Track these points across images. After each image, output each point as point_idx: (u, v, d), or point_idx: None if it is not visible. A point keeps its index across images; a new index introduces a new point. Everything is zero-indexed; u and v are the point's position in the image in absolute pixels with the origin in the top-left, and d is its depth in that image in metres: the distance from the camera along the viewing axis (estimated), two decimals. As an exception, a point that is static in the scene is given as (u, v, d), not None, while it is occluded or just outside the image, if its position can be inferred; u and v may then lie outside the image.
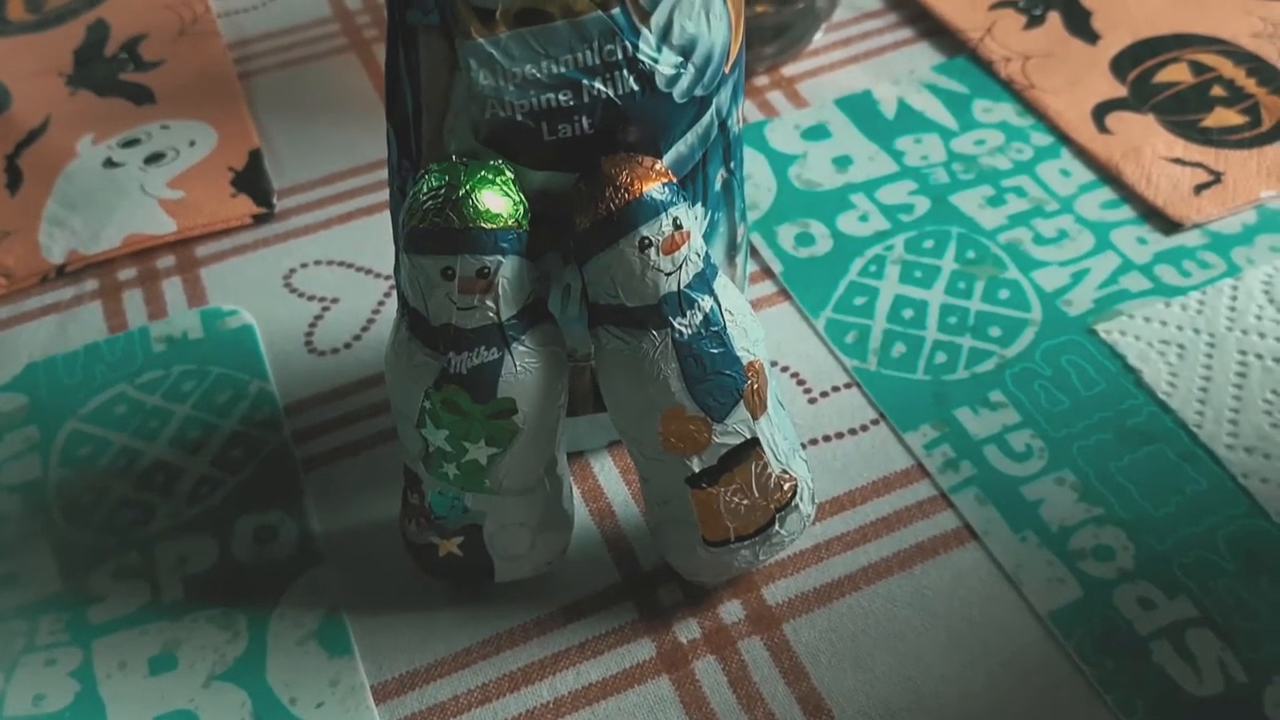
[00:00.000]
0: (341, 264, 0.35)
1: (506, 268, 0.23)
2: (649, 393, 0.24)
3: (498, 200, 0.23)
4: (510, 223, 0.23)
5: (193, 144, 0.38)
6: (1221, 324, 0.32)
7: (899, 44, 0.42)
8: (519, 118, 0.23)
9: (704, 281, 0.24)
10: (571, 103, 0.23)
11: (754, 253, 0.35)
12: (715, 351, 0.24)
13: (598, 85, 0.23)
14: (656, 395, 0.24)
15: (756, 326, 0.25)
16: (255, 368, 0.32)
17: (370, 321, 0.33)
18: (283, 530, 0.28)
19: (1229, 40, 0.40)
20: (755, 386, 0.25)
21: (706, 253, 0.24)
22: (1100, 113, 0.38)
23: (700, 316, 0.24)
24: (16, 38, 0.44)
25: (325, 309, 0.34)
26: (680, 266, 0.24)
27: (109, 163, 0.38)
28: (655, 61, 0.24)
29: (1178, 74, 0.39)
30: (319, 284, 0.35)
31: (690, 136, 0.25)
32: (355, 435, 0.31)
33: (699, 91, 0.25)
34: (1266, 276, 0.33)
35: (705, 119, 0.25)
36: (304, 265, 0.35)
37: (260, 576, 0.28)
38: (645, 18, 0.23)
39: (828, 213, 0.36)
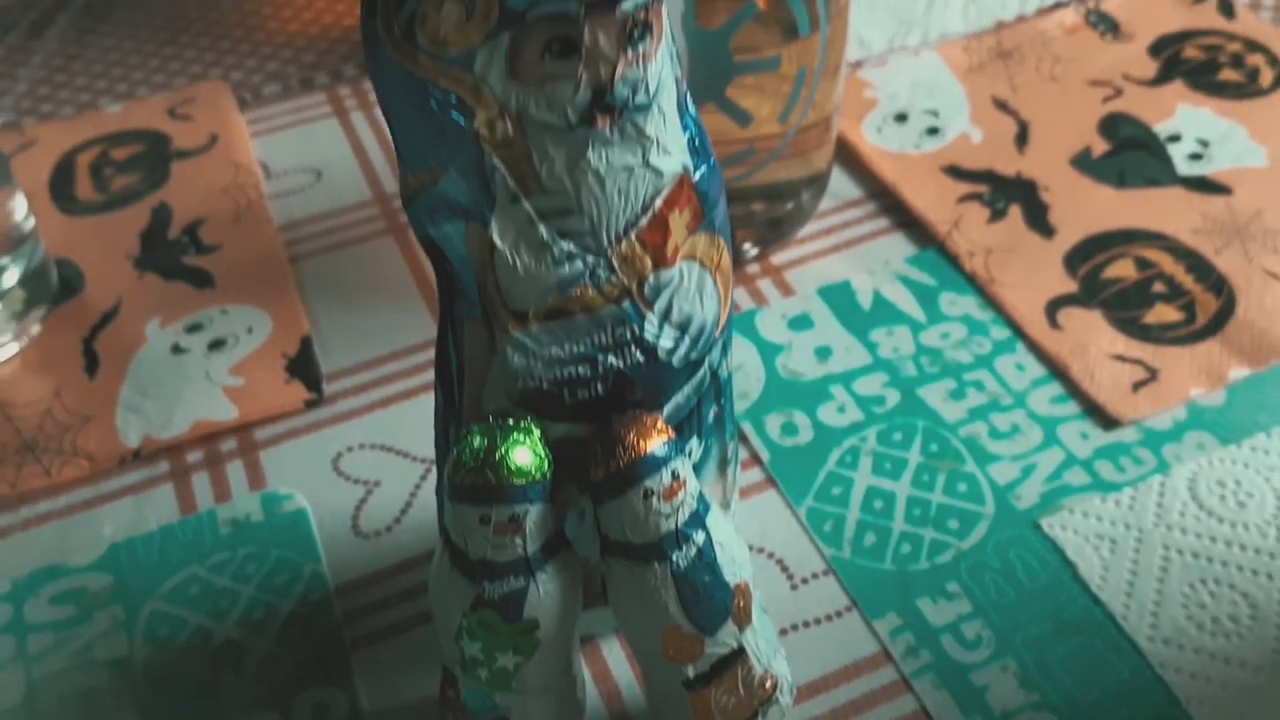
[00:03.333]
0: (383, 448, 0.40)
1: (533, 512, 0.28)
2: (651, 614, 0.29)
3: (527, 457, 0.28)
4: (537, 476, 0.28)
5: (250, 330, 0.43)
6: (1150, 520, 0.36)
7: (876, 233, 0.47)
8: (545, 386, 0.28)
9: (697, 518, 0.29)
10: (588, 374, 0.28)
11: (744, 439, 0.40)
12: (707, 579, 0.29)
13: (610, 359, 0.28)
14: (658, 616, 0.29)
15: (743, 551, 0.30)
16: (309, 550, 0.37)
17: (408, 505, 0.38)
18: (335, 707, 0.33)
19: (1171, 236, 0.45)
20: (742, 604, 0.30)
21: (700, 493, 0.29)
22: (1053, 308, 0.43)
23: (695, 550, 0.29)
24: (86, 218, 0.49)
25: (369, 492, 0.39)
26: (678, 509, 0.29)
27: (176, 348, 0.43)
28: (657, 338, 0.28)
29: (1123, 269, 0.44)
30: (363, 467, 0.39)
31: (687, 388, 0.30)
32: (397, 616, 0.35)
33: (694, 356, 0.29)
34: (1191, 474, 0.37)
35: (699, 374, 0.30)
36: (350, 449, 0.40)
37: (318, 750, 0.32)
38: (650, 305, 0.28)
39: (810, 403, 0.41)
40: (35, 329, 0.44)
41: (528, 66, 0.24)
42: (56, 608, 0.36)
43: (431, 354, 0.42)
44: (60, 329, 0.44)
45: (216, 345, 0.43)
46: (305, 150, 0.52)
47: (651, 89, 0.25)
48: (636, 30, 0.24)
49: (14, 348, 0.43)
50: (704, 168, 0.28)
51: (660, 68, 0.26)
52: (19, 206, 0.45)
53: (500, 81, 0.24)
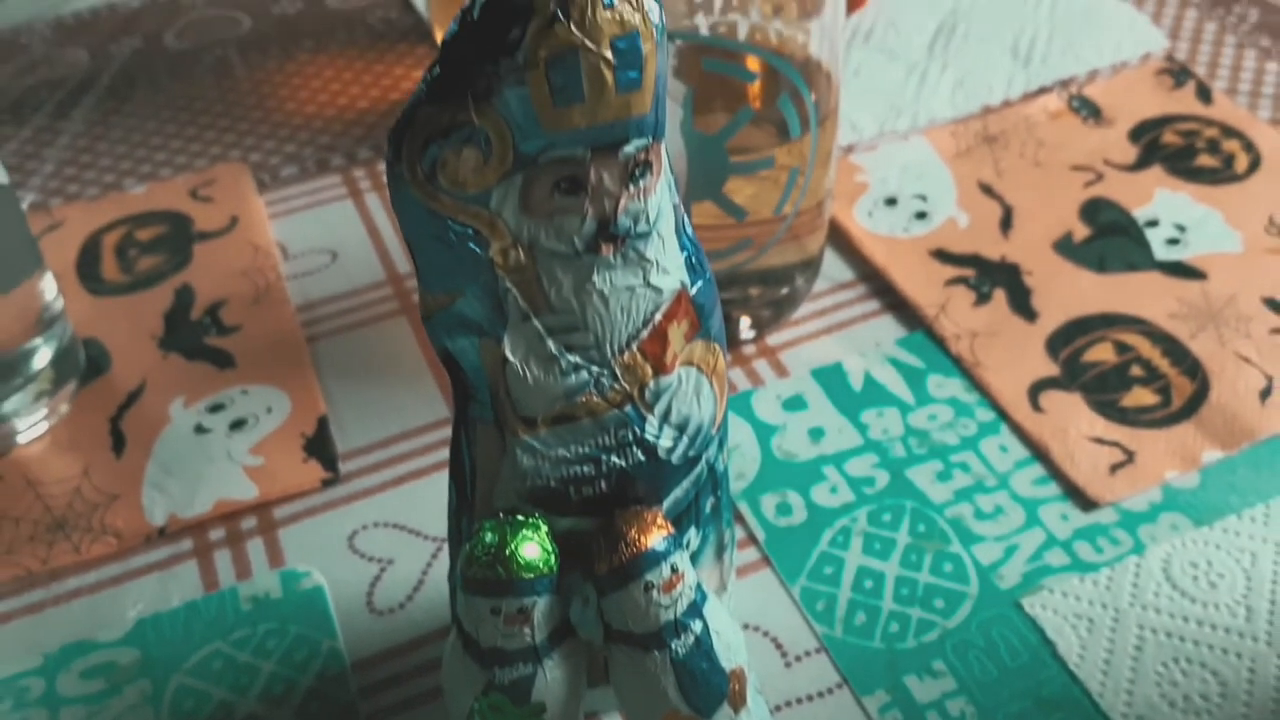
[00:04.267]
0: (395, 526, 0.42)
1: (541, 604, 0.30)
2: (652, 698, 0.31)
3: (536, 552, 0.30)
4: (545, 570, 0.30)
5: (269, 410, 0.45)
6: (1125, 600, 0.38)
7: (867, 315, 0.49)
8: (552, 485, 0.30)
9: (695, 608, 0.31)
10: (593, 472, 0.30)
11: (740, 519, 0.42)
12: (705, 666, 0.31)
13: (613, 459, 0.30)
14: (658, 701, 0.31)
15: (738, 637, 0.32)
16: (326, 627, 0.39)
17: (420, 583, 0.40)
18: (353, 780, 0.35)
19: (1148, 320, 0.47)
20: (737, 688, 0.32)
21: (698, 584, 0.31)
22: (1035, 391, 0.45)
23: (692, 638, 0.31)
24: (112, 298, 0.51)
25: (382, 570, 0.41)
26: (676, 600, 0.31)
27: (199, 428, 0.45)
28: (657, 438, 0.30)
29: (1103, 353, 0.46)
30: (377, 545, 0.41)
31: (686, 483, 0.32)
32: (410, 692, 0.37)
33: (692, 454, 0.31)
34: (1165, 555, 0.39)
35: (697, 469, 0.32)
36: (364, 527, 0.42)
37: (336, 823, 0.34)
38: (650, 408, 0.30)
39: (803, 483, 0.43)
40: (64, 408, 0.46)
41: (539, 202, 0.27)
42: (87, 681, 0.38)
43: (443, 433, 0.45)
44: (88, 408, 0.46)
45: (237, 425, 0.45)
46: (321, 231, 0.54)
47: (652, 218, 0.28)
48: (637, 169, 0.27)
49: (44, 426, 0.46)
50: (700, 282, 0.30)
51: (659, 199, 0.28)
52: (48, 288, 0.47)
53: (514, 215, 0.27)
